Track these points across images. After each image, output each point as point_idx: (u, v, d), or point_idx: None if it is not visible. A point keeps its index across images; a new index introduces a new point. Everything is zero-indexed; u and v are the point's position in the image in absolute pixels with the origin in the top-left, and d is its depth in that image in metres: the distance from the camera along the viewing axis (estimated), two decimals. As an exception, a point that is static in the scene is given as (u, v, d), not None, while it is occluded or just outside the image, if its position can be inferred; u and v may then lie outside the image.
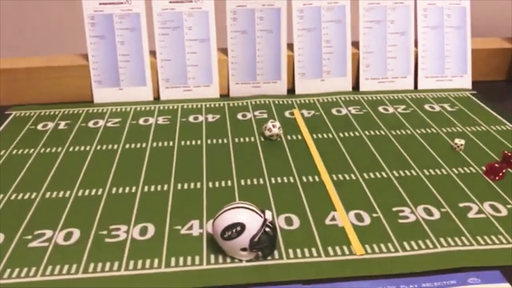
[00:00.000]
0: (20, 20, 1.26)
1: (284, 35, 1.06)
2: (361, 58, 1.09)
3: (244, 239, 0.58)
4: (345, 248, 0.62)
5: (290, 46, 1.08)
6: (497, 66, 1.16)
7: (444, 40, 1.11)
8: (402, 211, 0.69)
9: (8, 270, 0.59)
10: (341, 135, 0.90)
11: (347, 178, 0.77)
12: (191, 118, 0.98)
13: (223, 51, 1.08)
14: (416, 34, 1.10)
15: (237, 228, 0.58)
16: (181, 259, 0.60)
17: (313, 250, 0.62)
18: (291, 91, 1.09)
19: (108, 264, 0.60)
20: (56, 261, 0.60)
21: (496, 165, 0.77)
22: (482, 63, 1.15)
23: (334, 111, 1.00)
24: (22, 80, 1.03)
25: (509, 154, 0.79)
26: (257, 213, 0.59)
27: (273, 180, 0.76)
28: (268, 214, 0.60)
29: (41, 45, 1.20)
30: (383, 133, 0.91)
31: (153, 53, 1.06)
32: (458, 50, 1.11)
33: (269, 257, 0.61)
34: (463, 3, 1.11)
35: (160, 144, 0.88)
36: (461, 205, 0.70)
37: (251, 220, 0.59)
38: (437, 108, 1.01)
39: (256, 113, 1.00)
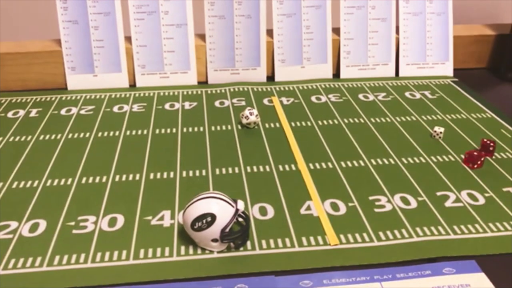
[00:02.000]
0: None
1: (263, 20, 1.04)
2: (341, 44, 1.07)
3: (215, 230, 0.57)
4: (319, 238, 0.61)
5: (270, 32, 1.06)
6: (478, 53, 1.15)
7: (425, 27, 1.09)
8: (379, 200, 0.68)
9: (-31, 264, 0.57)
10: (320, 123, 0.89)
11: (324, 166, 0.75)
12: (167, 106, 0.95)
13: (201, 36, 1.06)
14: (398, 21, 1.09)
15: (207, 219, 0.56)
16: (150, 251, 0.59)
17: (287, 240, 0.60)
18: (270, 78, 1.07)
19: (74, 257, 0.58)
20: (20, 253, 0.58)
21: (475, 153, 0.76)
22: (464, 50, 1.14)
23: (313, 98, 0.98)
24: (-8, 66, 1.00)
25: (488, 142, 0.78)
26: (228, 203, 0.58)
27: (248, 169, 0.75)
28: (240, 204, 0.58)
29: (12, 31, 1.16)
30: (362, 121, 0.89)
31: (128, 39, 1.03)
32: (439, 37, 1.10)
33: (242, 248, 0.59)
34: (445, -11, 1.09)
35: (134, 132, 0.85)
36: (438, 193, 0.69)
37: (222, 210, 0.57)
38: (417, 95, 1.00)
39: (234, 100, 0.98)
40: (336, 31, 1.08)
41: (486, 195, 0.69)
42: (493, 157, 0.78)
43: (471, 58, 1.15)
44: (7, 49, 1.01)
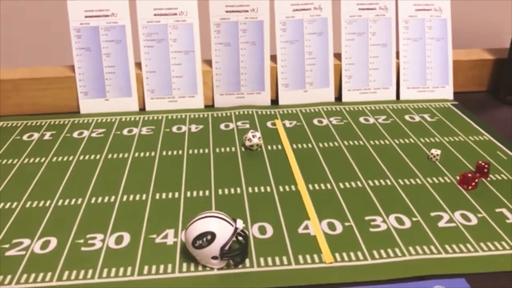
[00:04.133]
0: (7, 32, 1.28)
1: (267, 47, 1.08)
2: (343, 69, 1.11)
3: (214, 248, 0.60)
4: (315, 256, 0.63)
5: (273, 58, 1.10)
6: (478, 77, 1.18)
7: (425, 52, 1.13)
8: (374, 220, 0.70)
9: (-16, 278, 0.60)
10: (321, 145, 0.92)
11: (323, 187, 0.78)
12: (174, 129, 0.99)
13: (208, 62, 1.10)
14: (398, 46, 1.12)
15: (207, 237, 0.59)
16: (153, 267, 0.62)
17: (284, 258, 0.63)
18: (274, 101, 1.11)
19: (82, 272, 0.61)
20: (32, 269, 0.62)
21: (469, 174, 0.78)
22: (464, 74, 1.17)
23: (315, 121, 1.02)
24: (9, 91, 1.05)
25: (483, 164, 0.80)
26: (228, 222, 0.61)
27: (250, 190, 0.78)
28: (239, 223, 0.61)
29: (28, 57, 1.22)
30: (361, 143, 0.92)
31: (138, 65, 1.08)
32: (439, 61, 1.13)
33: (240, 266, 0.62)
34: (444, 15, 1.13)
35: (142, 154, 0.89)
36: (432, 214, 0.71)
37: (221, 229, 0.60)
38: (417, 118, 1.03)
39: (239, 123, 1.01)
40: (338, 56, 1.12)
41: (479, 215, 0.71)
42: (488, 178, 0.80)
43: (471, 82, 1.18)
44: (23, 75, 1.07)
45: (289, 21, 1.08)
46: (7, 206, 0.74)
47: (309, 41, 1.09)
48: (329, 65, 1.11)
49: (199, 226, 0.60)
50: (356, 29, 1.11)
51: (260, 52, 1.08)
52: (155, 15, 1.05)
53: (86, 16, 1.04)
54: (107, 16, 1.04)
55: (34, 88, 1.06)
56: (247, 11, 1.07)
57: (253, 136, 0.89)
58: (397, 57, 1.13)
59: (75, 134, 0.97)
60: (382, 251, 0.64)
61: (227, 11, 1.06)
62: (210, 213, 0.61)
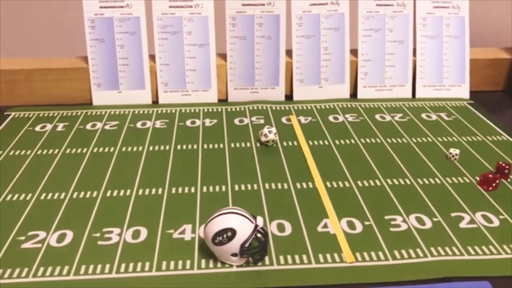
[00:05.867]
0: (20, 22, 1.27)
1: (283, 41, 1.07)
2: (359, 66, 1.10)
3: (234, 245, 0.59)
4: (335, 255, 0.62)
5: (289, 53, 1.09)
6: (494, 76, 1.16)
7: (442, 50, 1.11)
8: (394, 219, 0.69)
9: (0, 271, 0.59)
10: (337, 142, 0.91)
11: (341, 185, 0.77)
12: (188, 123, 0.98)
13: (222, 56, 1.09)
14: (415, 43, 1.11)
15: (227, 234, 0.58)
16: (172, 263, 0.61)
17: (304, 257, 0.62)
18: (289, 97, 1.10)
19: (99, 267, 0.60)
20: (48, 262, 0.61)
21: (490, 175, 0.77)
22: (480, 73, 1.15)
23: (331, 118, 1.01)
24: (22, 81, 1.04)
25: (503, 164, 0.79)
26: (248, 218, 0.60)
27: (267, 186, 0.77)
28: (260, 220, 0.60)
29: (41, 47, 1.21)
30: (378, 141, 0.91)
31: (152, 57, 1.06)
32: (456, 59, 1.11)
33: (260, 263, 0.61)
34: (462, 12, 1.11)
35: (156, 147, 0.88)
36: (453, 214, 0.70)
37: (242, 225, 0.59)
38: (434, 117, 1.02)
39: (253, 118, 1.00)
40: (354, 52, 1.11)
41: (501, 217, 0.70)
42: (508, 179, 0.79)
43: (487, 81, 1.17)
44: (36, 65, 1.05)
45: (306, 16, 1.07)
46: (21, 198, 0.73)
47: (326, 37, 1.08)
48: (345, 61, 1.09)
49: (219, 222, 0.59)
50: (373, 25, 1.09)
51: (276, 46, 1.07)
52: (170, 7, 1.04)
53: (100, 7, 1.02)
54: (122, 7, 1.03)
55: (47, 79, 1.05)
56: (263, 4, 1.05)
57: (269, 132, 0.88)
58: (414, 54, 1.11)
59: (88, 126, 0.96)
60: (403, 251, 0.63)
61: (243, 4, 1.05)
62: (230, 209, 0.60)
